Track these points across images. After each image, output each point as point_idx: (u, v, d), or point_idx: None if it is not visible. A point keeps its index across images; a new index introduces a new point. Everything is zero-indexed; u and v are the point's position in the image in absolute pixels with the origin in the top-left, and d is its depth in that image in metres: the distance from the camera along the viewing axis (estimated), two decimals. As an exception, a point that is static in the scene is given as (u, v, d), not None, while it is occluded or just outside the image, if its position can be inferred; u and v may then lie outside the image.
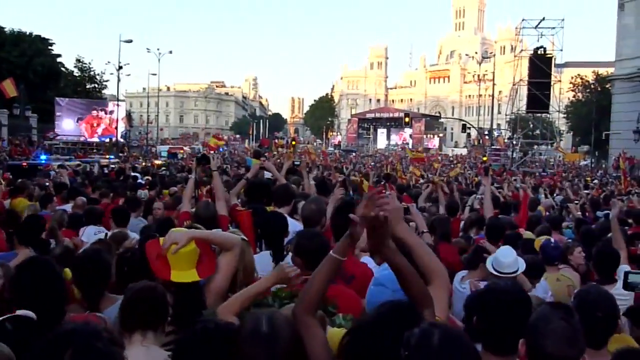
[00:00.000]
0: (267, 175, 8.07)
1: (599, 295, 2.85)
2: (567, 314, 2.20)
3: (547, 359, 2.13)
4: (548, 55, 41.71)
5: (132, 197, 8.67)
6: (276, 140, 46.51)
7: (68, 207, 7.94)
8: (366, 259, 3.88)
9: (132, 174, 16.30)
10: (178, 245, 2.70)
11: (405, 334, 1.60)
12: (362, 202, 2.15)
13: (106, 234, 5.51)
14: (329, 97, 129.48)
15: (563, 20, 42.14)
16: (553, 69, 42.63)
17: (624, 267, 4.57)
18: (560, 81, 46.96)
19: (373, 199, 2.06)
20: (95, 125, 47.49)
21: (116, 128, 46.66)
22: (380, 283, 2.40)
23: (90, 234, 5.93)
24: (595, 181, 20.84)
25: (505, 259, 3.96)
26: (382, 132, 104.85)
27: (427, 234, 4.32)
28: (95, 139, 47.39)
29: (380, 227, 2.07)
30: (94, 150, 41.87)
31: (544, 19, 42.13)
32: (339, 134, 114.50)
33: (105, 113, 48.28)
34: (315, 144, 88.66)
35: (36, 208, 7.46)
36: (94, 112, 47.58)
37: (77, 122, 46.52)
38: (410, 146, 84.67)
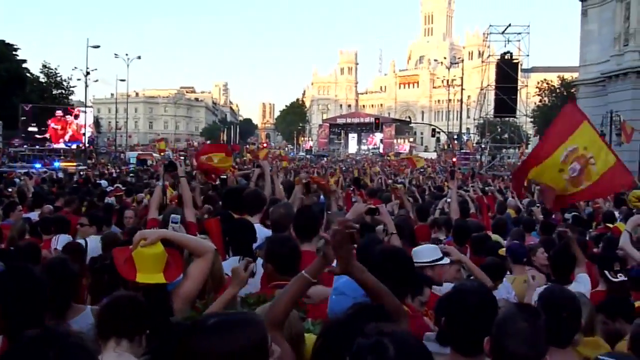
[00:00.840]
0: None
1: (562, 295, 2.90)
2: (531, 315, 2.24)
3: (509, 358, 2.17)
4: (515, 61, 42.58)
5: (107, 205, 8.51)
6: (247, 146, 46.39)
7: (33, 215, 7.76)
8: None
9: (98, 181, 16.01)
10: (147, 241, 2.69)
11: (356, 346, 1.52)
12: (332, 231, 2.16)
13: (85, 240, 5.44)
14: (300, 102, 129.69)
15: (529, 26, 43.16)
16: (520, 74, 43.55)
17: (584, 275, 4.71)
18: (527, 86, 47.90)
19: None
20: (60, 129, 46.61)
21: (84, 134, 45.88)
22: (341, 292, 2.39)
23: (64, 243, 5.71)
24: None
25: (419, 248, 3.99)
26: (353, 137, 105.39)
27: (395, 236, 4.31)
28: (61, 145, 46.51)
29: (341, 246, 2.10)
30: (61, 157, 41.05)
31: (510, 25, 43.04)
32: (310, 139, 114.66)
33: (71, 115, 47.44)
34: (286, 149, 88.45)
35: (-1, 215, 7.29)
36: (58, 113, 46.65)
37: (44, 126, 45.71)
38: (381, 150, 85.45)
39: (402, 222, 5.43)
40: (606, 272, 4.46)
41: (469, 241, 5.51)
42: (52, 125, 46.23)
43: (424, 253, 3.86)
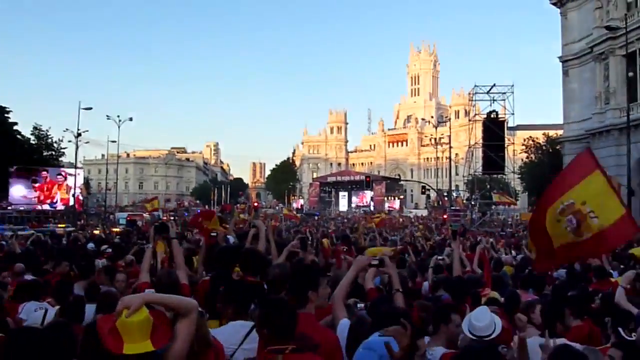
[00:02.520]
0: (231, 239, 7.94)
1: (572, 354, 2.84)
2: None
3: None
4: (500, 119, 43.48)
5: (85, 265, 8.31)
6: (238, 205, 46.34)
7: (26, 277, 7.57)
8: (344, 322, 3.78)
9: (87, 243, 15.77)
10: (131, 309, 2.59)
11: None
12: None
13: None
14: (290, 161, 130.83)
15: (513, 86, 44.35)
16: (506, 131, 44.36)
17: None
18: (513, 143, 48.72)
19: None
20: (45, 190, 46.53)
21: (73, 195, 45.72)
22: (370, 347, 2.49)
23: (30, 310, 5.48)
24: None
25: (479, 322, 3.90)
26: (343, 195, 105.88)
27: (399, 294, 4.23)
28: (47, 207, 46.34)
29: None
30: (50, 219, 40.71)
31: (494, 85, 44.26)
32: (301, 197, 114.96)
33: (62, 176, 47.48)
34: (277, 208, 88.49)
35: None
36: (44, 174, 46.64)
37: (30, 188, 45.60)
38: (372, 208, 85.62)
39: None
40: (620, 329, 4.35)
41: (469, 297, 5.46)
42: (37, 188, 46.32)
43: (483, 329, 3.88)
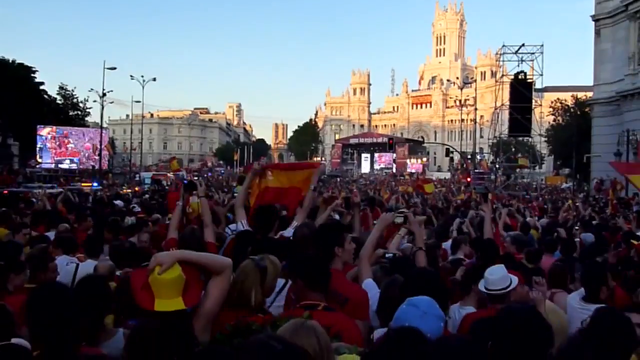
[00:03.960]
0: None
1: (616, 319, 2.77)
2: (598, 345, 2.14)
3: None
4: (528, 80, 42.42)
5: (113, 221, 8.42)
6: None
7: (51, 234, 7.72)
8: (368, 282, 3.79)
9: (114, 201, 16.04)
10: (164, 266, 2.59)
11: None
12: None
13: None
14: (313, 122, 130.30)
15: (542, 46, 43.02)
16: (533, 93, 43.36)
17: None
18: (541, 105, 47.67)
19: None
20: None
21: (99, 155, 46.39)
22: (414, 304, 2.46)
23: (62, 265, 5.54)
24: (579, 204, 20.95)
25: (492, 275, 3.89)
26: (366, 157, 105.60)
27: (421, 252, 4.21)
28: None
29: None
30: (76, 178, 41.45)
31: (523, 45, 43.00)
32: (323, 159, 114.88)
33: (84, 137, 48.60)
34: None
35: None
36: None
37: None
38: (394, 170, 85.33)
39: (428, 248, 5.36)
40: None
41: (498, 260, 5.45)
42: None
43: (498, 282, 3.87)
